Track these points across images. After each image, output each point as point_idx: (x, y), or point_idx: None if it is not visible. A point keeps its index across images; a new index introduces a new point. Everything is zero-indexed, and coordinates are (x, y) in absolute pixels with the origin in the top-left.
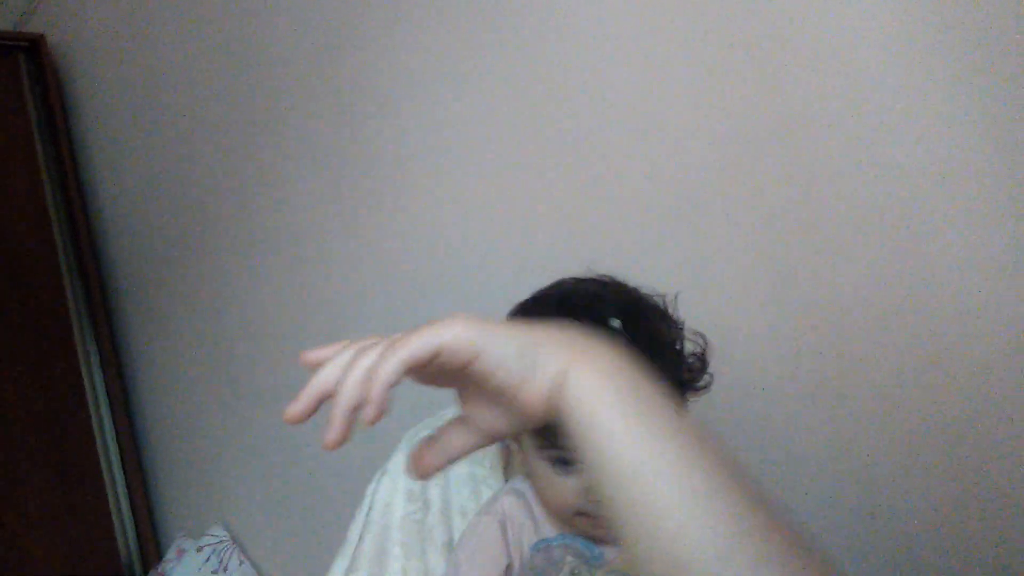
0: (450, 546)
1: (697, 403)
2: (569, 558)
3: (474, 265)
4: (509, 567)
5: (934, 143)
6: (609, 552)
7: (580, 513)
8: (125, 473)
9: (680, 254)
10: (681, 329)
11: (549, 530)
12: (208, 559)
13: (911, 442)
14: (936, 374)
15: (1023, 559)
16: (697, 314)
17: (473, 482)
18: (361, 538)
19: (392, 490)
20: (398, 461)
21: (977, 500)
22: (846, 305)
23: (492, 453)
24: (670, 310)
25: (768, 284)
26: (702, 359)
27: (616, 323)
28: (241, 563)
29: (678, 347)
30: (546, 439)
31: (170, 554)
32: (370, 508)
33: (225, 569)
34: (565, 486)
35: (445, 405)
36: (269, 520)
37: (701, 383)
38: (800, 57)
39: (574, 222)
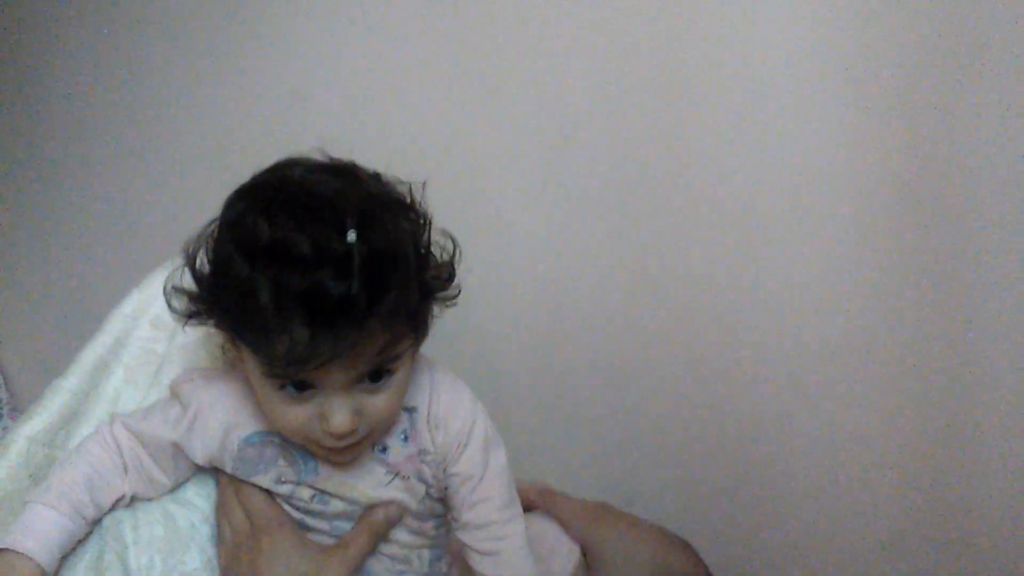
0: None
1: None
2: (281, 462)
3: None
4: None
5: (801, 153)
6: (324, 471)
7: (313, 443)
8: None
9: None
10: (428, 227)
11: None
12: None
13: (713, 426)
14: (756, 365)
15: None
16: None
17: None
18: (87, 345)
19: (140, 309)
20: (154, 280)
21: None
22: (686, 291)
23: None
24: (417, 201)
25: (617, 256)
26: (450, 266)
27: (352, 236)
28: None
29: (423, 250)
30: (272, 367)
31: None
32: (108, 322)
33: None
34: (295, 414)
35: None
36: (29, 328)
37: (449, 292)
38: (686, 42)
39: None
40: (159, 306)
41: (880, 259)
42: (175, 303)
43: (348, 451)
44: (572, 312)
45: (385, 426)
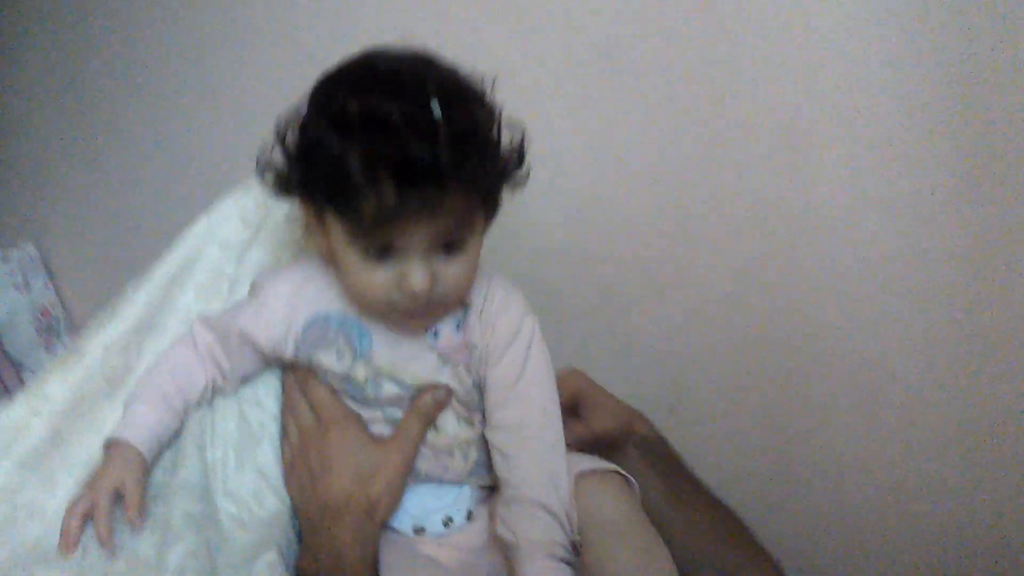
0: None
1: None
2: (340, 340)
3: None
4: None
5: (850, 145)
6: (379, 349)
7: (391, 307)
8: None
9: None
10: (499, 117)
11: (337, 304)
12: (13, 271)
13: (760, 338)
14: (808, 277)
15: None
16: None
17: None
18: (159, 263)
19: (209, 233)
20: (222, 205)
21: None
22: (736, 205)
23: None
24: (488, 94)
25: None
26: (520, 151)
27: (437, 107)
28: (46, 286)
29: (496, 137)
30: (359, 228)
31: None
32: (179, 242)
33: (27, 286)
34: (376, 278)
35: None
36: (83, 248)
37: (517, 176)
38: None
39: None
40: (228, 229)
41: (935, 199)
42: (266, 178)
43: (422, 318)
44: (620, 226)
45: (456, 298)
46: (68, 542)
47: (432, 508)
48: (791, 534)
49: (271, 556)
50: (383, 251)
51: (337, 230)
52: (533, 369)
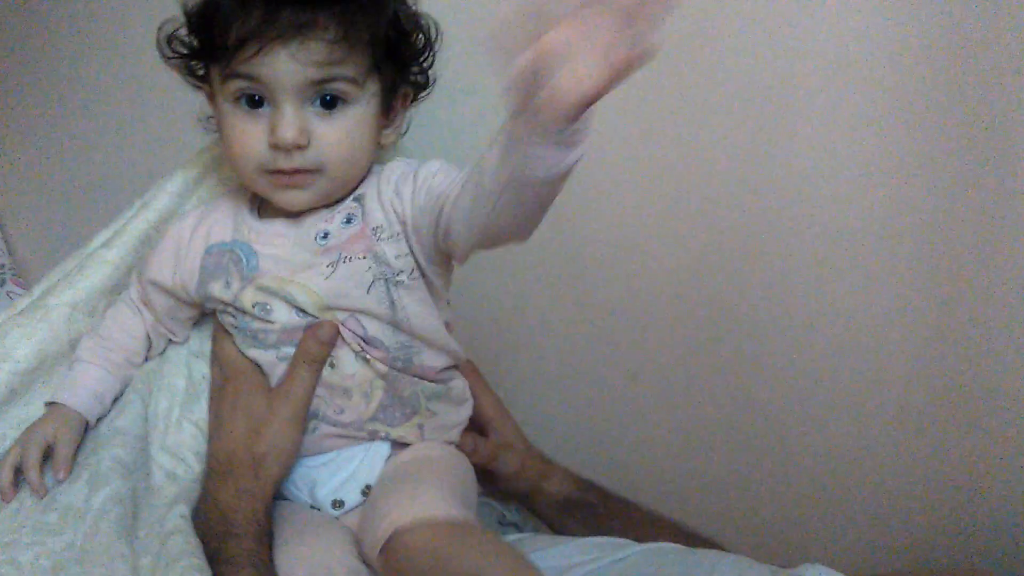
0: None
1: None
2: (231, 267)
3: None
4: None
5: (828, 126)
6: (266, 264)
7: (267, 171)
8: None
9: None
10: (415, 13)
11: (231, 233)
12: None
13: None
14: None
15: None
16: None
17: None
18: (131, 219)
19: (184, 190)
20: (199, 161)
21: None
22: (698, 252)
23: None
24: None
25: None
26: (430, 45)
27: None
28: None
29: (400, 15)
30: (228, 60)
31: None
32: (155, 197)
33: None
34: (248, 130)
35: None
36: (34, 196)
37: (420, 76)
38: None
39: None
40: (204, 187)
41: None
42: (168, 53)
43: (298, 182)
44: (587, 193)
45: (336, 171)
46: (3, 491)
47: (328, 486)
48: (748, 503)
49: (183, 508)
50: (255, 99)
51: (216, 80)
52: (435, 166)
